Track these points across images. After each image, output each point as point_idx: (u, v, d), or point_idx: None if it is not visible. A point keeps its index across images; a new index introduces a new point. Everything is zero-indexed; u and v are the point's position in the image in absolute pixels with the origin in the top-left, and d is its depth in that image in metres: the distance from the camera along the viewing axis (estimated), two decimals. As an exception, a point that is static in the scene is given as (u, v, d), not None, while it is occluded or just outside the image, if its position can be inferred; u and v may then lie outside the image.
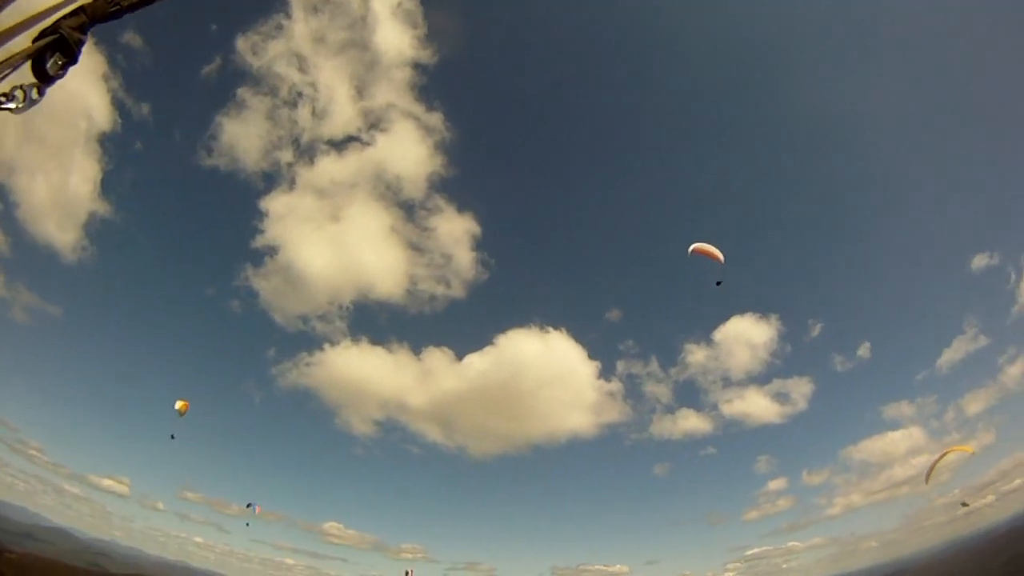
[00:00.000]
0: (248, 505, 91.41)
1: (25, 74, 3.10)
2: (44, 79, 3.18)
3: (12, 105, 3.06)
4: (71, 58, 3.26)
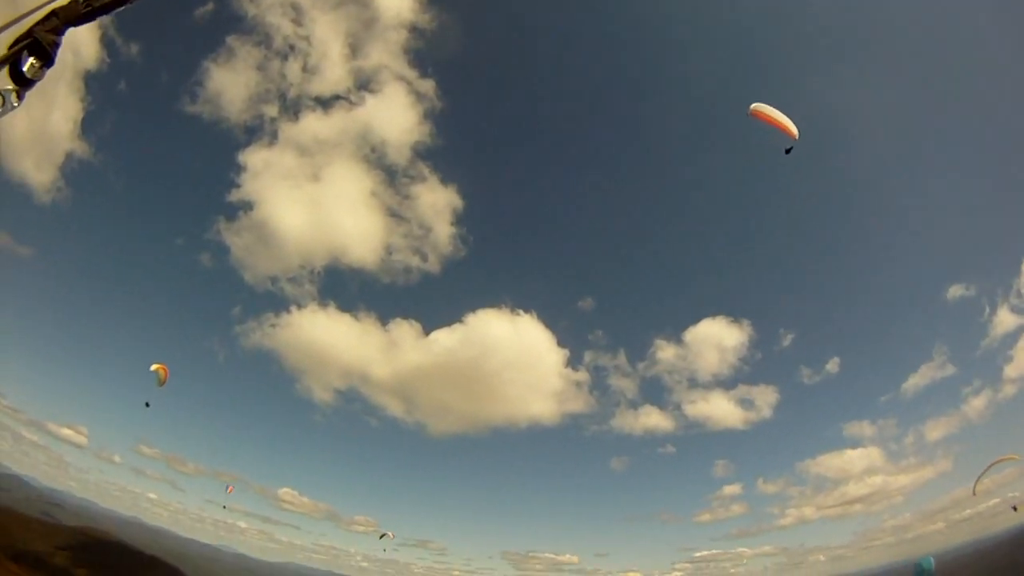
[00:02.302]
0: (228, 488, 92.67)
1: (3, 79, 3.19)
2: (22, 83, 3.26)
3: (-8, 110, 3.15)
4: (47, 60, 3.33)
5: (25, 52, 3.23)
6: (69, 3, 3.32)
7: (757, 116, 36.66)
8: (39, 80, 3.37)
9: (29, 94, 3.33)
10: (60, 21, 3.31)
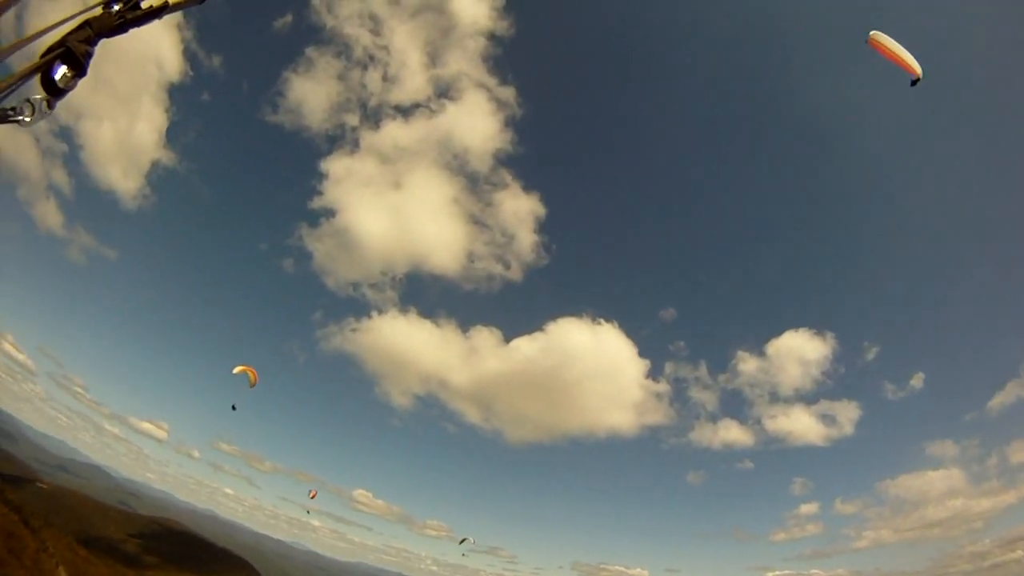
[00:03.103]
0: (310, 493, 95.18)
1: (35, 88, 3.21)
2: (54, 92, 3.28)
3: (21, 118, 3.17)
4: (80, 71, 3.35)
5: (58, 61, 3.26)
6: (102, 14, 3.34)
7: (875, 47, 32.69)
8: (71, 90, 3.39)
9: (61, 103, 3.36)
10: (93, 31, 3.33)
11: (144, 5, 3.48)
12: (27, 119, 3.21)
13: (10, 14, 3.01)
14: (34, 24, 3.12)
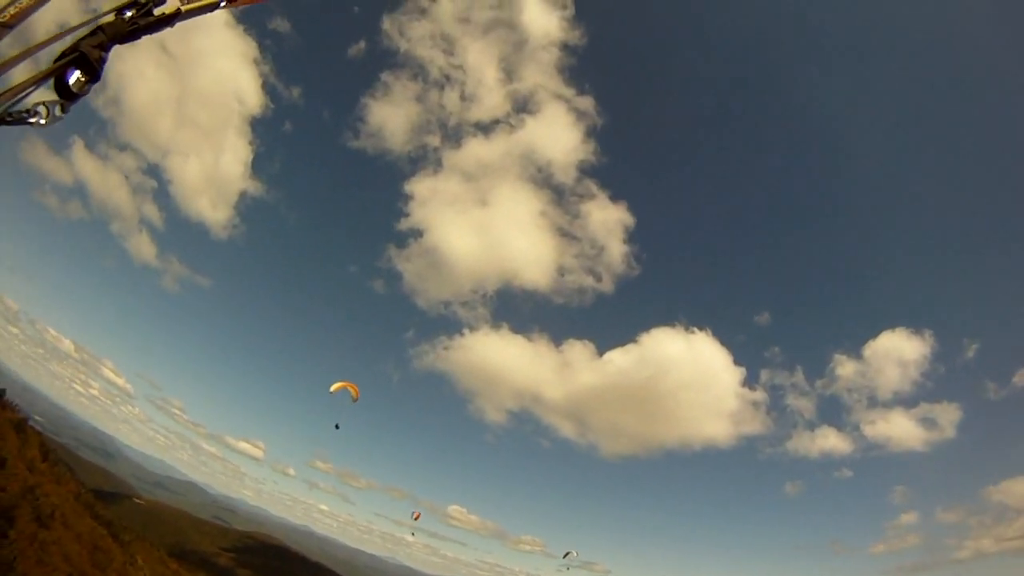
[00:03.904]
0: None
1: (48, 92, 3.30)
2: (67, 96, 3.36)
3: (35, 120, 3.25)
4: (93, 76, 3.43)
5: (72, 66, 3.37)
6: (115, 20, 3.43)
7: None
8: (84, 95, 3.48)
9: (74, 108, 3.46)
10: (106, 37, 3.42)
11: (157, 12, 3.56)
12: (42, 122, 3.31)
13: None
14: (47, 30, 3.23)
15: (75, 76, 3.36)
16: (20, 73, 3.22)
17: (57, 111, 3.37)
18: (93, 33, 3.37)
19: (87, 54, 3.37)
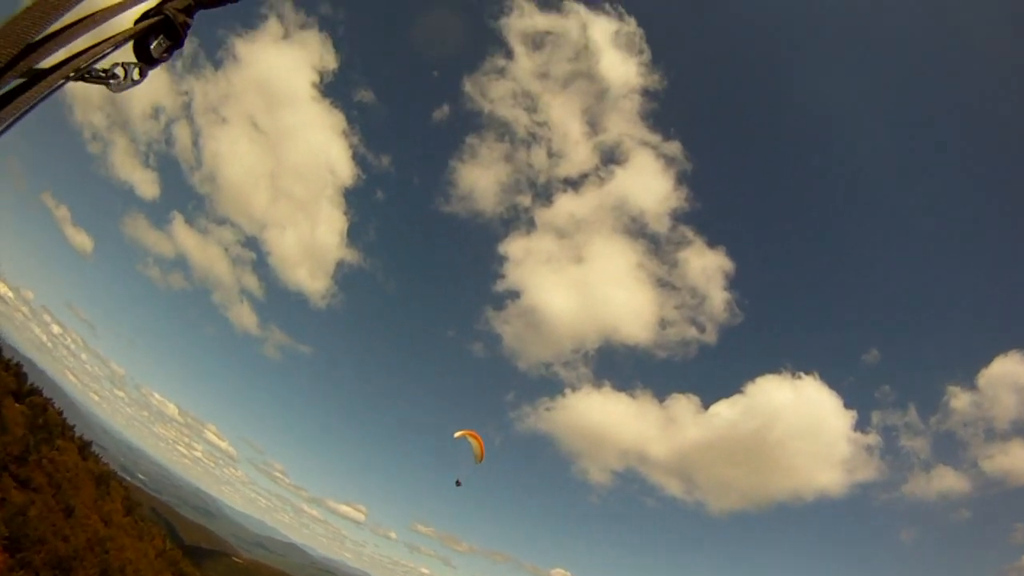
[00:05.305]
0: None
1: (127, 54, 3.09)
2: (147, 61, 3.14)
3: (114, 82, 3.03)
4: (176, 41, 3.21)
5: (154, 30, 3.16)
6: (202, -17, 3.22)
7: None
8: (164, 61, 3.26)
9: (152, 73, 3.24)
10: (193, 1, 3.21)
11: (245, -23, 3.33)
12: (117, 84, 3.09)
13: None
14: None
15: (156, 40, 3.15)
16: (102, 32, 3.02)
17: (135, 74, 3.14)
18: (179, -5, 3.16)
19: (172, 17, 3.16)
